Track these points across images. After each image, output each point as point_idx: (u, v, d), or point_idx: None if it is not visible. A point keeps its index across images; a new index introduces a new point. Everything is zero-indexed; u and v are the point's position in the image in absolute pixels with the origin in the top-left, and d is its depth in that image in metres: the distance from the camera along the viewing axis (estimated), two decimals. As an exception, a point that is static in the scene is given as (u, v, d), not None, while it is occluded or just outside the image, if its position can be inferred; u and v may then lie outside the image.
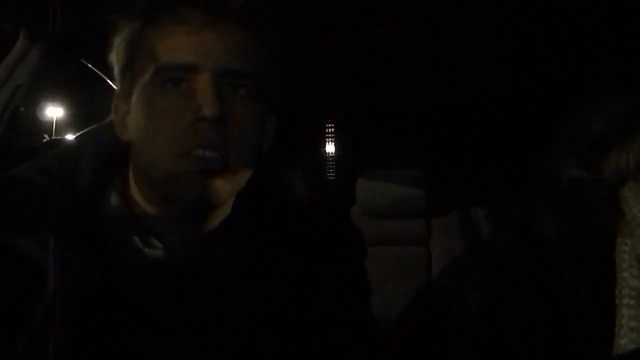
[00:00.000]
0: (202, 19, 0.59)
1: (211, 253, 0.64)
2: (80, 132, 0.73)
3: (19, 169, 0.66)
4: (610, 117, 0.74)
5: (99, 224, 0.63)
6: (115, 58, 0.65)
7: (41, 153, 0.70)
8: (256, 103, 0.62)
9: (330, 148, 2.07)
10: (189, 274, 0.62)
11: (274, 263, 0.64)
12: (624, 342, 0.62)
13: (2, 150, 1.05)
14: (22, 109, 1.06)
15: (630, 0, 1.00)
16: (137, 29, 0.61)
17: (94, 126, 0.73)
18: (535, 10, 1.09)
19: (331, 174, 2.16)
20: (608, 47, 1.20)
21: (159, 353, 0.61)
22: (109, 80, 1.34)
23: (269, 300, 0.63)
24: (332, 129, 2.05)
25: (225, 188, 0.60)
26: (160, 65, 0.59)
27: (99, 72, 1.29)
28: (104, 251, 0.62)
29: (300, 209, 0.70)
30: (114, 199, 0.65)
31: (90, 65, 1.25)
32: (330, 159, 2.09)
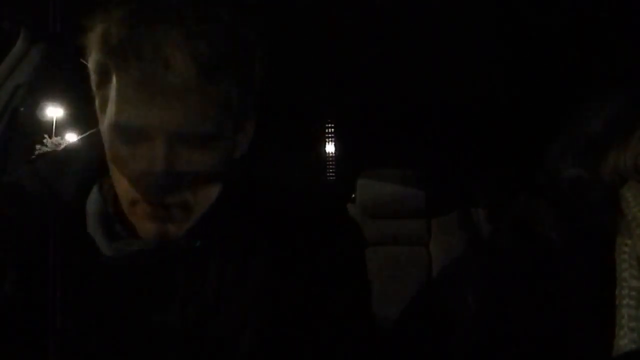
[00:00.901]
0: (154, 74, 0.55)
1: (187, 250, 0.64)
2: (81, 136, 0.75)
3: (14, 174, 0.69)
4: (608, 117, 0.74)
5: (79, 221, 0.65)
6: (90, 69, 0.64)
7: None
8: (219, 145, 0.60)
9: (330, 148, 2.07)
10: (166, 271, 0.63)
11: (260, 258, 0.64)
12: (624, 342, 0.62)
13: (2, 150, 1.05)
14: (22, 109, 1.06)
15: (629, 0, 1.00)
16: (101, 60, 0.60)
17: (93, 130, 0.74)
18: (536, 10, 1.09)
19: (331, 174, 2.16)
20: (607, 47, 1.20)
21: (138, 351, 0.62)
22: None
23: (260, 296, 0.63)
24: (332, 129, 2.05)
25: (187, 213, 0.61)
26: (114, 120, 0.58)
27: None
28: (82, 247, 0.63)
29: (295, 204, 0.70)
30: (93, 195, 0.66)
31: (90, 65, 1.25)
32: (330, 159, 2.08)
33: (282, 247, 0.65)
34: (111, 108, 0.58)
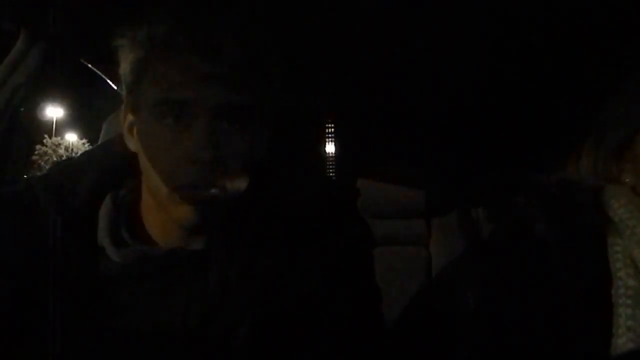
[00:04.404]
0: (200, 53, 0.59)
1: (204, 253, 0.65)
2: (97, 145, 0.78)
3: (25, 182, 0.69)
4: (581, 124, 0.76)
5: (90, 229, 0.66)
6: (122, 73, 0.66)
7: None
8: (252, 131, 0.63)
9: (330, 148, 2.07)
10: (173, 273, 0.64)
11: (267, 257, 0.65)
12: (621, 341, 0.62)
13: (2, 150, 1.05)
14: (22, 109, 1.06)
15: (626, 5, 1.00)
16: (141, 57, 0.62)
17: (109, 139, 0.76)
18: (536, 10, 1.09)
19: (331, 174, 2.16)
20: (605, 51, 1.20)
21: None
22: (109, 80, 1.35)
23: (266, 296, 0.63)
24: (332, 129, 2.05)
25: (219, 209, 0.63)
26: (158, 99, 0.60)
27: (99, 72, 1.29)
28: (92, 254, 0.64)
29: (305, 203, 0.70)
30: (106, 204, 0.67)
31: (90, 65, 1.26)
32: (330, 159, 2.09)
33: (290, 246, 0.65)
34: (155, 94, 0.60)
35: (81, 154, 0.77)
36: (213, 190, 0.60)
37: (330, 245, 0.67)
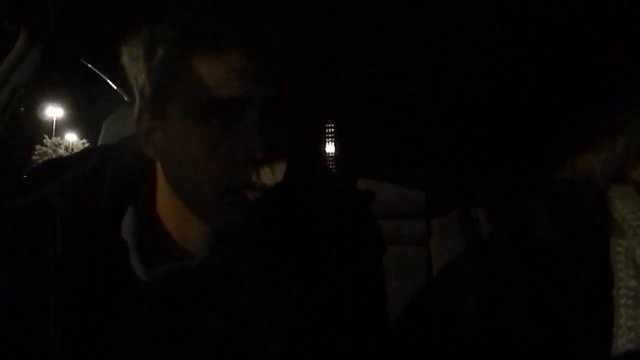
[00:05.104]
0: (238, 49, 0.56)
1: (229, 263, 0.62)
2: (105, 146, 0.72)
3: (42, 192, 0.64)
4: (588, 124, 0.75)
5: (114, 245, 0.62)
6: (134, 77, 0.62)
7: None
8: (286, 126, 0.61)
9: (330, 148, 2.07)
10: (207, 289, 0.61)
11: (300, 266, 0.63)
12: (622, 342, 0.62)
13: (2, 150, 1.05)
14: (22, 109, 1.06)
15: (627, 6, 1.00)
16: (171, 56, 0.58)
17: (118, 141, 0.72)
18: (536, 11, 1.09)
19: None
20: (605, 50, 1.20)
21: None
22: (109, 80, 1.35)
23: (304, 305, 0.62)
24: (332, 129, 2.05)
25: (262, 210, 0.60)
26: (202, 101, 0.56)
27: (99, 72, 1.29)
28: (118, 272, 0.61)
29: (327, 206, 0.68)
30: (129, 219, 0.63)
31: (90, 65, 1.26)
32: (330, 159, 2.08)
33: (313, 252, 0.64)
34: (196, 95, 0.57)
35: (86, 157, 0.71)
36: (263, 190, 0.58)
37: (349, 251, 0.66)
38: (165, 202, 0.64)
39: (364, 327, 0.65)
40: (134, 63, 0.61)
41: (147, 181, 0.65)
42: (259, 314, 0.61)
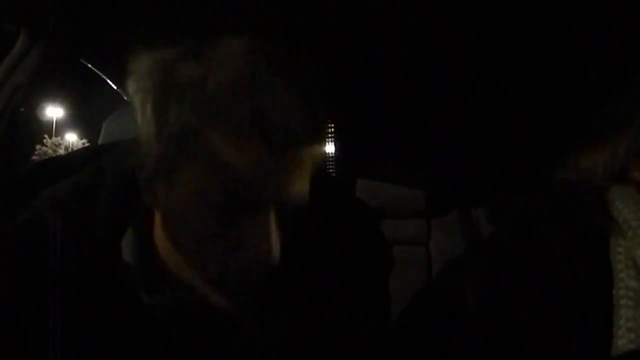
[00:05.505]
0: (261, 137, 0.49)
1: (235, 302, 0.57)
2: (103, 149, 0.66)
3: (35, 204, 0.60)
4: (589, 124, 0.75)
5: (111, 271, 0.58)
6: (147, 122, 0.54)
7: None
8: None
9: (330, 148, 2.07)
10: (209, 327, 0.58)
11: (315, 291, 0.61)
12: (622, 342, 0.62)
13: (2, 150, 1.05)
14: (22, 109, 1.06)
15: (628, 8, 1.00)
16: (188, 123, 0.51)
17: (117, 144, 0.66)
18: (536, 11, 1.09)
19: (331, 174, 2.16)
20: (605, 51, 1.20)
21: None
22: (109, 80, 1.35)
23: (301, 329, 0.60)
24: (332, 129, 2.05)
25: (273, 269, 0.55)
26: (218, 190, 0.51)
27: (99, 72, 1.29)
28: (120, 295, 0.57)
29: (339, 230, 0.65)
30: (129, 241, 0.59)
31: (90, 65, 1.26)
32: (330, 159, 2.08)
33: (318, 280, 0.61)
34: (212, 180, 0.51)
35: (84, 160, 0.66)
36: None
37: (361, 274, 0.65)
38: (164, 235, 0.59)
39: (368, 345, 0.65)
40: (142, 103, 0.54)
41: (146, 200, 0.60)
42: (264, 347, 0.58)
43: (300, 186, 0.53)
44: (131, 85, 0.55)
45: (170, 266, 0.58)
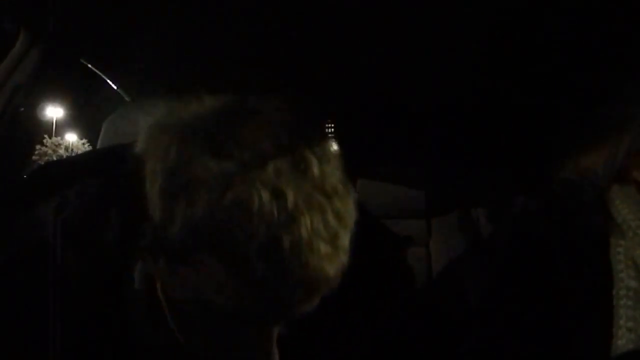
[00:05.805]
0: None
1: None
2: (106, 153, 0.64)
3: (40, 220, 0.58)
4: (590, 124, 0.75)
5: (122, 299, 0.57)
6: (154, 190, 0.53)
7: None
8: None
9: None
10: None
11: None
12: (621, 342, 0.62)
13: (2, 150, 1.05)
14: (22, 109, 1.06)
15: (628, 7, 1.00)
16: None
17: (119, 145, 0.64)
18: (536, 11, 1.09)
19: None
20: (605, 52, 1.20)
21: None
22: (109, 80, 1.35)
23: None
24: (332, 129, 2.05)
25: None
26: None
27: (99, 72, 1.29)
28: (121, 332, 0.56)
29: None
30: (137, 278, 0.57)
31: (90, 65, 1.26)
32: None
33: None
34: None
35: (90, 169, 0.64)
36: None
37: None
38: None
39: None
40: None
41: None
42: None
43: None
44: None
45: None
